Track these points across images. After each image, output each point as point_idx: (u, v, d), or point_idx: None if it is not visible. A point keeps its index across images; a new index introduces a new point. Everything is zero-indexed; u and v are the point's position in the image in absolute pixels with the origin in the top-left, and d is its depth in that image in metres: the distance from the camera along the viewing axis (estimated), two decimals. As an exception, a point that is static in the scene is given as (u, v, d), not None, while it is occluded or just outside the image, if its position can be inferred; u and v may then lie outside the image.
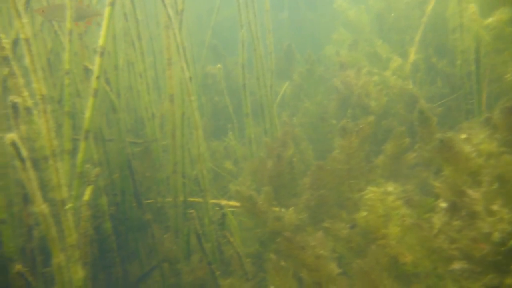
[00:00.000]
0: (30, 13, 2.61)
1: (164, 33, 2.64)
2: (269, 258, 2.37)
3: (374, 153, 2.94)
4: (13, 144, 1.71)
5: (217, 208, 3.19)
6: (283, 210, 2.86)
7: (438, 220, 1.75)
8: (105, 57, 2.25)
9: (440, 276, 1.76)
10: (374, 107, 3.63)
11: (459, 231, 1.65)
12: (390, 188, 2.16)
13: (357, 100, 3.74)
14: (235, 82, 5.51)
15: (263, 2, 3.59)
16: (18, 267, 2.08)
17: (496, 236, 1.55)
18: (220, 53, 6.11)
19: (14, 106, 1.86)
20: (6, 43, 1.80)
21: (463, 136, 1.86)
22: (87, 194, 2.25)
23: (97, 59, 2.15)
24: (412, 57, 4.09)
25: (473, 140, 1.82)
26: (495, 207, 1.59)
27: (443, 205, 1.75)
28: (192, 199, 3.27)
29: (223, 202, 3.26)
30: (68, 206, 1.96)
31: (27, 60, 1.73)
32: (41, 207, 1.85)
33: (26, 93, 1.88)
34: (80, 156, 2.27)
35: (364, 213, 2.05)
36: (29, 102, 1.91)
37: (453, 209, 1.69)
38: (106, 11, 2.14)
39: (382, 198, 2.00)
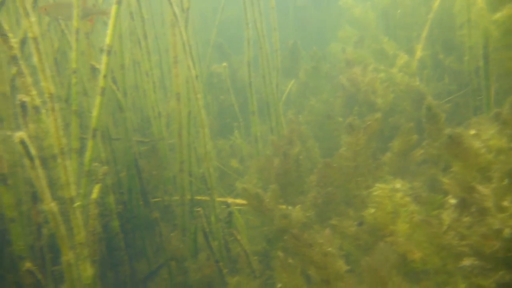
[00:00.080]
0: (37, 12, 2.62)
1: (170, 31, 2.64)
2: (276, 256, 2.37)
3: (381, 150, 2.93)
4: (22, 142, 1.71)
5: (224, 206, 3.19)
6: (290, 207, 2.85)
7: (447, 216, 1.73)
8: (112, 57, 2.26)
9: (449, 273, 1.75)
10: (380, 104, 3.62)
11: (469, 227, 1.63)
12: (398, 185, 2.15)
13: (363, 97, 3.73)
14: (241, 80, 5.51)
15: (268, 0, 3.58)
16: (27, 265, 2.09)
17: (507, 232, 1.54)
18: (225, 51, 6.11)
19: (23, 105, 1.86)
20: (14, 42, 1.81)
21: (472, 131, 1.84)
22: (95, 193, 2.26)
23: (104, 58, 2.15)
24: (418, 53, 4.07)
25: (483, 135, 1.81)
26: (505, 203, 1.57)
27: (453, 201, 1.74)
28: (199, 197, 3.28)
29: (230, 200, 3.26)
30: (77, 204, 1.97)
31: (35, 59, 1.74)
32: (50, 205, 1.86)
33: (34, 92, 1.89)
34: (88, 154, 2.28)
35: (372, 210, 2.04)
36: (37, 101, 1.92)
37: (463, 205, 1.68)
38: (113, 9, 2.14)
39: (390, 194, 1.99)
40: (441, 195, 2.16)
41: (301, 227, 2.63)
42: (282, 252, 2.34)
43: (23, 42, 2.44)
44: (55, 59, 2.98)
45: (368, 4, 5.07)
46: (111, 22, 2.13)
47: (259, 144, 3.73)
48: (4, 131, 1.99)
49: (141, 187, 3.29)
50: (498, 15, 2.68)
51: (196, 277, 2.85)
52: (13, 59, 1.82)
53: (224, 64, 4.26)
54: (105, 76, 2.18)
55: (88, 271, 2.04)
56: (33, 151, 1.78)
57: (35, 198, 2.21)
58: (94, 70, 2.76)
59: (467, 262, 1.58)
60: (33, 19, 1.72)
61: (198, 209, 2.76)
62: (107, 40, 2.13)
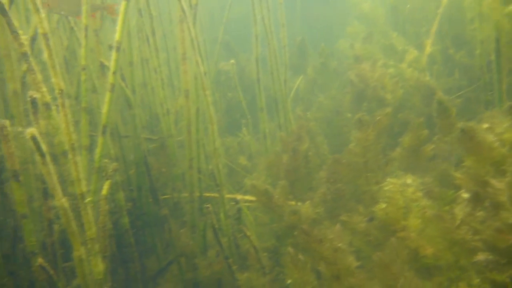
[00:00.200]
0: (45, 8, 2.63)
1: (179, 27, 2.64)
2: (286, 252, 2.36)
3: (390, 146, 2.91)
4: (33, 138, 1.72)
5: (233, 203, 3.19)
6: (299, 204, 2.84)
7: (460, 211, 1.71)
8: (121, 54, 2.26)
9: (462, 269, 1.73)
10: (390, 100, 3.59)
11: (482, 222, 1.61)
12: (409, 180, 2.13)
13: (372, 93, 3.70)
14: (248, 78, 5.50)
15: (276, -4, 3.57)
16: (39, 260, 2.11)
17: (521, 226, 1.52)
18: (233, 49, 6.11)
19: (33, 102, 1.87)
20: (25, 39, 1.82)
21: (485, 125, 1.82)
22: (105, 189, 2.27)
23: (113, 54, 2.16)
24: (428, 49, 4.03)
25: (496, 129, 1.78)
26: (520, 197, 1.55)
27: (466, 196, 1.72)
28: (208, 194, 3.28)
29: (239, 196, 3.25)
30: (88, 199, 1.98)
31: (45, 55, 1.75)
32: (61, 201, 1.87)
33: (44, 89, 1.90)
34: (98, 151, 2.29)
35: (383, 205, 2.03)
36: (48, 98, 1.92)
37: (476, 199, 1.66)
38: (122, 5, 2.15)
39: (402, 189, 1.97)
40: (452, 190, 2.14)
41: (310, 223, 2.62)
42: (292, 248, 2.33)
43: (33, 40, 2.45)
44: (64, 57, 2.99)
45: (377, -1, 5.04)
46: (120, 19, 2.13)
47: (268, 141, 3.72)
48: (16, 128, 2.00)
49: (150, 184, 3.30)
50: (510, 8, 2.65)
51: (206, 273, 2.85)
52: (24, 56, 1.83)
53: (232, 61, 4.25)
54: (114, 73, 2.18)
55: (99, 266, 2.05)
56: (44, 147, 1.79)
57: (46, 194, 2.23)
58: (103, 67, 2.77)
59: (481, 257, 1.56)
60: (43, 15, 1.73)
61: (207, 205, 2.76)
62: (117, 36, 2.13)
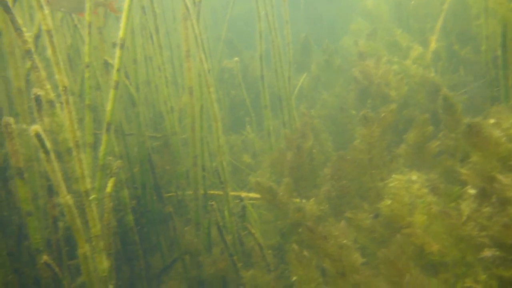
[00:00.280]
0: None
1: (182, 24, 2.63)
2: (291, 249, 2.35)
3: (395, 143, 2.89)
4: (37, 135, 1.72)
5: (237, 201, 3.19)
6: (303, 201, 2.83)
7: (466, 207, 1.70)
8: (124, 51, 2.26)
9: (469, 265, 1.72)
10: (394, 96, 3.57)
11: (489, 218, 1.60)
12: (414, 177, 2.11)
13: (376, 89, 3.69)
14: (252, 76, 5.50)
15: (279, -7, 3.56)
16: (44, 258, 2.11)
17: (529, 222, 1.50)
18: (236, 47, 6.10)
19: (37, 99, 1.87)
20: (28, 36, 1.82)
21: (492, 121, 1.80)
22: (109, 186, 2.27)
23: (117, 51, 2.15)
24: (433, 45, 4.01)
25: (503, 124, 1.77)
26: (527, 193, 1.53)
27: (472, 191, 1.70)
28: (212, 192, 3.27)
29: (243, 194, 3.25)
30: (92, 196, 1.98)
31: (49, 52, 1.75)
32: (65, 198, 1.87)
33: (48, 86, 1.90)
34: (102, 148, 2.29)
35: (389, 202, 2.01)
36: (52, 95, 1.92)
37: (483, 195, 1.64)
38: (126, 3, 2.14)
39: (407, 186, 1.96)
40: (458, 186, 2.13)
41: (315, 220, 2.61)
42: (296, 245, 2.33)
43: (37, 37, 2.45)
44: (68, 55, 2.99)
45: (380, -5, 5.01)
46: (124, 16, 2.13)
47: (272, 138, 3.71)
48: (20, 125, 2.00)
49: (154, 182, 3.30)
50: (517, 3, 2.62)
51: (210, 271, 2.85)
52: (27, 53, 1.83)
53: (236, 58, 4.24)
54: (118, 70, 2.18)
55: (104, 263, 2.05)
56: (48, 144, 1.79)
57: (51, 191, 2.23)
58: (107, 65, 2.77)
59: (488, 253, 1.55)
60: (46, 11, 1.72)
61: (212, 203, 2.76)
62: (120, 33, 2.13)
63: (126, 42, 2.25)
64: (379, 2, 4.94)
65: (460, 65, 3.87)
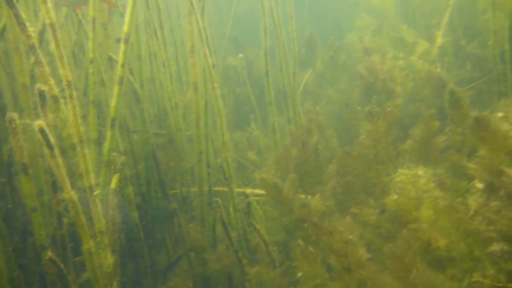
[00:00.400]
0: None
1: (187, 19, 2.62)
2: (296, 245, 2.34)
3: (401, 139, 2.87)
4: (41, 130, 1.72)
5: (242, 197, 3.18)
6: (309, 197, 2.82)
7: (474, 201, 1.68)
8: (129, 48, 2.25)
9: (476, 260, 1.69)
10: (400, 92, 3.55)
11: (497, 212, 1.57)
12: (420, 172, 2.09)
13: (382, 85, 3.66)
14: (257, 73, 5.48)
15: (284, -11, 3.54)
16: (49, 254, 2.11)
17: (538, 216, 1.48)
18: (241, 44, 6.08)
19: (41, 94, 1.87)
20: (32, 31, 1.82)
21: (500, 114, 1.78)
22: (114, 182, 2.26)
23: (122, 46, 2.15)
24: (439, 40, 3.97)
25: (511, 118, 1.74)
26: (536, 186, 1.51)
27: (479, 186, 1.68)
28: (217, 188, 3.27)
29: (248, 190, 3.24)
30: (97, 192, 1.97)
31: (52, 46, 1.74)
32: (70, 193, 1.87)
33: (52, 82, 1.90)
34: (106, 144, 2.29)
35: (395, 196, 1.99)
36: (56, 90, 1.92)
37: (491, 189, 1.62)
38: (130, -2, 2.13)
39: (414, 180, 1.93)
40: (465, 181, 2.10)
41: (320, 216, 2.59)
42: (302, 241, 2.31)
43: (41, 34, 2.45)
44: (73, 52, 2.99)
45: (386, -9, 4.97)
46: (128, 10, 2.12)
47: (277, 135, 3.70)
48: (24, 120, 2.00)
49: (159, 178, 3.29)
50: (525, -4, 2.59)
51: (215, 267, 2.84)
52: (31, 49, 1.82)
53: (240, 55, 4.22)
54: (123, 65, 2.17)
55: (108, 259, 2.05)
56: (52, 140, 1.78)
57: (55, 187, 2.23)
58: (111, 61, 2.76)
59: (496, 247, 1.53)
60: (50, 4, 1.72)
61: (217, 199, 2.75)
62: (125, 28, 2.12)
63: (130, 38, 2.25)
64: (384, -2, 4.91)
65: (466, 60, 3.83)
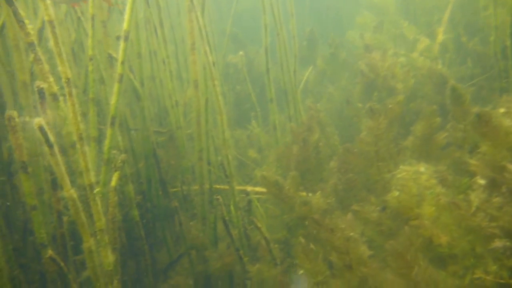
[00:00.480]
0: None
1: (187, 17, 2.61)
2: (298, 242, 2.33)
3: (402, 136, 2.85)
4: (41, 128, 1.71)
5: (243, 195, 3.17)
6: (310, 195, 2.81)
7: (476, 197, 1.67)
8: (128, 45, 2.24)
9: (478, 256, 1.68)
10: (401, 89, 3.53)
11: (499, 208, 1.56)
12: (422, 168, 2.08)
13: (383, 82, 3.65)
14: (257, 71, 5.47)
15: (285, -14, 3.53)
16: (49, 252, 2.11)
17: (541, 212, 1.47)
18: (241, 41, 6.07)
19: (40, 92, 1.86)
20: (31, 28, 1.81)
21: (502, 110, 1.76)
22: (114, 180, 2.25)
23: (121, 44, 2.13)
24: (440, 37, 3.95)
25: (513, 113, 1.73)
26: (538, 182, 1.50)
27: (481, 182, 1.67)
28: (218, 186, 3.26)
29: (249, 188, 3.23)
30: (97, 190, 1.97)
31: (51, 43, 1.73)
32: (70, 191, 1.86)
33: (51, 79, 1.89)
34: (107, 142, 2.28)
35: (396, 193, 1.98)
36: (55, 88, 1.91)
37: (493, 185, 1.61)
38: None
39: (415, 177, 1.92)
40: (467, 178, 2.09)
41: (321, 214, 2.58)
42: (303, 239, 2.31)
43: (40, 31, 2.44)
44: (72, 50, 2.98)
45: (387, -12, 4.95)
46: (128, 7, 2.11)
47: (278, 133, 3.69)
48: (23, 118, 1.99)
49: (159, 176, 3.29)
50: (527, -9, 2.57)
51: (216, 265, 2.84)
52: (30, 46, 1.81)
53: (241, 53, 4.21)
54: (122, 63, 2.16)
55: (109, 257, 2.04)
56: (52, 138, 1.77)
57: (55, 185, 2.22)
58: (111, 59, 2.75)
59: (498, 243, 1.52)
60: (48, 1, 1.71)
61: (218, 197, 2.74)
62: (124, 25, 2.11)
63: (130, 36, 2.24)
64: (385, -6, 4.89)
65: (468, 57, 3.82)
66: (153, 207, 3.29)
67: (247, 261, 2.74)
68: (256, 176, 3.47)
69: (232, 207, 2.84)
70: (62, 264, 2.17)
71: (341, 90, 4.14)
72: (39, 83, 1.83)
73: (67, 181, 1.86)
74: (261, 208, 3.13)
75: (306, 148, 2.99)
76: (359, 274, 1.95)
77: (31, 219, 2.19)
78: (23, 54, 2.29)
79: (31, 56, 1.96)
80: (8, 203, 2.47)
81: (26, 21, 1.80)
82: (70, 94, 1.80)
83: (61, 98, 1.95)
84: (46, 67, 1.85)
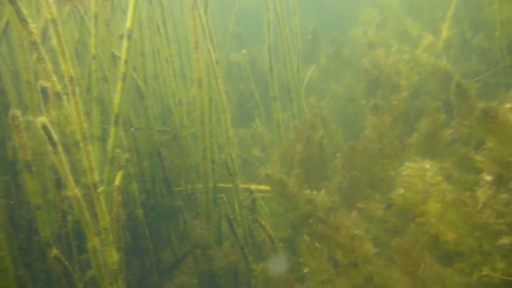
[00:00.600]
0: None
1: (191, 15, 2.60)
2: (302, 241, 2.32)
3: (406, 133, 2.84)
4: (44, 127, 1.71)
5: (247, 194, 3.16)
6: (314, 192, 2.80)
7: (482, 194, 1.65)
8: (132, 45, 2.24)
9: (485, 253, 1.67)
10: (405, 86, 3.51)
11: (506, 204, 1.55)
12: (427, 165, 2.07)
13: (386, 79, 3.63)
14: (260, 69, 5.45)
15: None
16: (54, 251, 2.11)
17: (548, 208, 1.45)
18: (244, 40, 6.06)
19: (44, 91, 1.86)
20: (34, 27, 1.80)
21: (508, 105, 1.74)
22: (118, 179, 2.25)
23: (125, 42, 2.13)
24: (444, 33, 3.93)
25: (519, 108, 1.71)
26: (546, 178, 1.48)
27: (488, 178, 1.65)
28: (222, 185, 3.25)
29: (253, 186, 3.22)
30: (101, 189, 1.96)
31: (54, 41, 1.73)
32: (74, 190, 1.86)
33: (55, 78, 1.89)
34: (110, 141, 2.27)
35: (402, 190, 1.97)
36: (58, 87, 1.91)
37: (499, 181, 1.59)
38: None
39: (421, 174, 1.91)
40: (473, 174, 2.07)
41: (326, 211, 2.57)
42: (308, 237, 2.29)
43: (44, 30, 2.44)
44: (76, 49, 2.98)
45: (390, -15, 4.93)
46: (131, 6, 2.10)
47: (281, 130, 3.68)
48: (27, 117, 1.99)
49: (163, 175, 3.28)
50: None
51: (221, 264, 2.83)
52: (33, 45, 1.81)
53: (244, 51, 4.20)
54: (126, 61, 2.16)
55: (113, 256, 2.04)
56: (55, 136, 1.77)
57: (60, 184, 2.22)
58: (114, 58, 2.75)
59: (505, 240, 1.50)
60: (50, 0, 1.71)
61: (222, 195, 2.73)
62: (128, 24, 2.11)
63: (134, 35, 2.23)
64: (389, -9, 4.87)
65: (472, 53, 3.79)
66: (157, 206, 3.29)
67: (252, 260, 2.73)
68: (260, 174, 3.47)
69: (236, 206, 2.83)
70: (67, 263, 2.17)
71: (345, 87, 4.12)
72: (42, 82, 1.83)
73: (71, 180, 1.86)
74: (265, 206, 3.12)
75: (310, 146, 2.97)
76: (364, 272, 1.94)
77: (36, 218, 2.19)
78: (27, 54, 2.29)
79: (35, 55, 1.96)
80: (12, 202, 2.47)
81: (29, 20, 1.80)
82: (74, 93, 1.79)
83: (64, 97, 1.95)
84: (49, 66, 1.85)
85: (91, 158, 1.92)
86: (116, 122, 2.27)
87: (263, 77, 5.07)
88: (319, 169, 3.01)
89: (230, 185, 2.95)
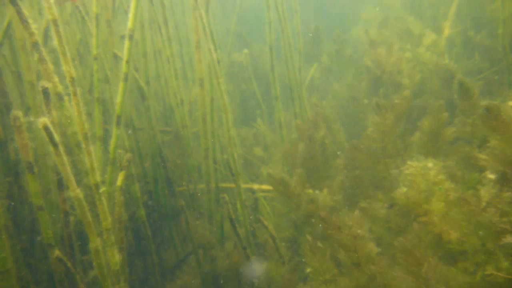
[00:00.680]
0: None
1: (192, 15, 2.60)
2: (305, 241, 2.31)
3: (409, 132, 2.82)
4: (45, 128, 1.71)
5: (250, 194, 3.16)
6: (316, 192, 2.79)
7: (486, 193, 1.64)
8: (133, 45, 2.24)
9: (489, 252, 1.66)
10: (407, 84, 3.50)
11: (510, 203, 1.54)
12: (430, 164, 2.05)
13: (389, 78, 3.61)
14: (262, 69, 5.45)
15: (288, -17, 3.50)
16: (57, 252, 2.11)
17: (553, 206, 1.44)
18: (245, 40, 6.05)
19: (45, 92, 1.86)
20: (35, 28, 1.80)
21: (511, 103, 1.73)
22: (120, 180, 2.25)
23: (126, 43, 2.13)
24: (447, 31, 3.91)
25: (523, 106, 1.70)
26: (550, 176, 1.47)
27: (491, 176, 1.64)
28: (224, 185, 3.25)
29: (255, 186, 3.21)
30: (102, 189, 1.96)
31: (55, 42, 1.73)
32: (75, 191, 1.85)
33: (56, 79, 1.89)
34: (112, 142, 2.27)
35: (404, 189, 1.96)
36: (60, 88, 1.91)
37: (503, 180, 1.58)
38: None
39: (423, 172, 1.90)
40: (476, 173, 2.06)
41: (328, 211, 2.56)
42: (310, 237, 2.29)
43: (46, 31, 2.44)
44: (78, 50, 2.99)
45: (392, -17, 4.91)
46: (132, 6, 2.10)
47: (283, 130, 3.67)
48: (28, 118, 1.99)
49: (166, 176, 3.28)
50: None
51: (224, 264, 2.83)
52: (35, 46, 1.81)
53: (245, 50, 4.19)
54: (127, 62, 2.15)
55: (115, 257, 2.04)
56: (57, 137, 1.77)
57: (61, 185, 2.22)
58: (116, 58, 2.75)
59: (509, 239, 1.49)
60: (51, 0, 1.70)
61: (224, 195, 2.73)
62: (129, 24, 2.11)
63: (135, 36, 2.23)
64: (390, -11, 4.84)
65: (475, 51, 3.77)
66: (159, 206, 3.29)
67: (254, 260, 2.72)
68: (262, 174, 3.46)
69: (238, 206, 2.83)
70: (69, 264, 2.17)
71: (347, 86, 4.11)
72: (44, 83, 1.83)
73: (72, 181, 1.85)
74: (267, 206, 3.12)
75: (312, 145, 2.96)
76: (367, 272, 1.93)
77: (38, 219, 2.19)
78: (29, 55, 2.29)
79: (36, 56, 1.96)
80: (13, 203, 2.48)
81: (30, 21, 1.80)
82: (75, 94, 1.79)
83: (66, 98, 1.95)
84: (51, 66, 1.85)
85: (93, 159, 1.92)
86: (118, 123, 2.27)
87: (265, 76, 5.06)
88: (322, 168, 3.01)
89: (232, 185, 2.95)
